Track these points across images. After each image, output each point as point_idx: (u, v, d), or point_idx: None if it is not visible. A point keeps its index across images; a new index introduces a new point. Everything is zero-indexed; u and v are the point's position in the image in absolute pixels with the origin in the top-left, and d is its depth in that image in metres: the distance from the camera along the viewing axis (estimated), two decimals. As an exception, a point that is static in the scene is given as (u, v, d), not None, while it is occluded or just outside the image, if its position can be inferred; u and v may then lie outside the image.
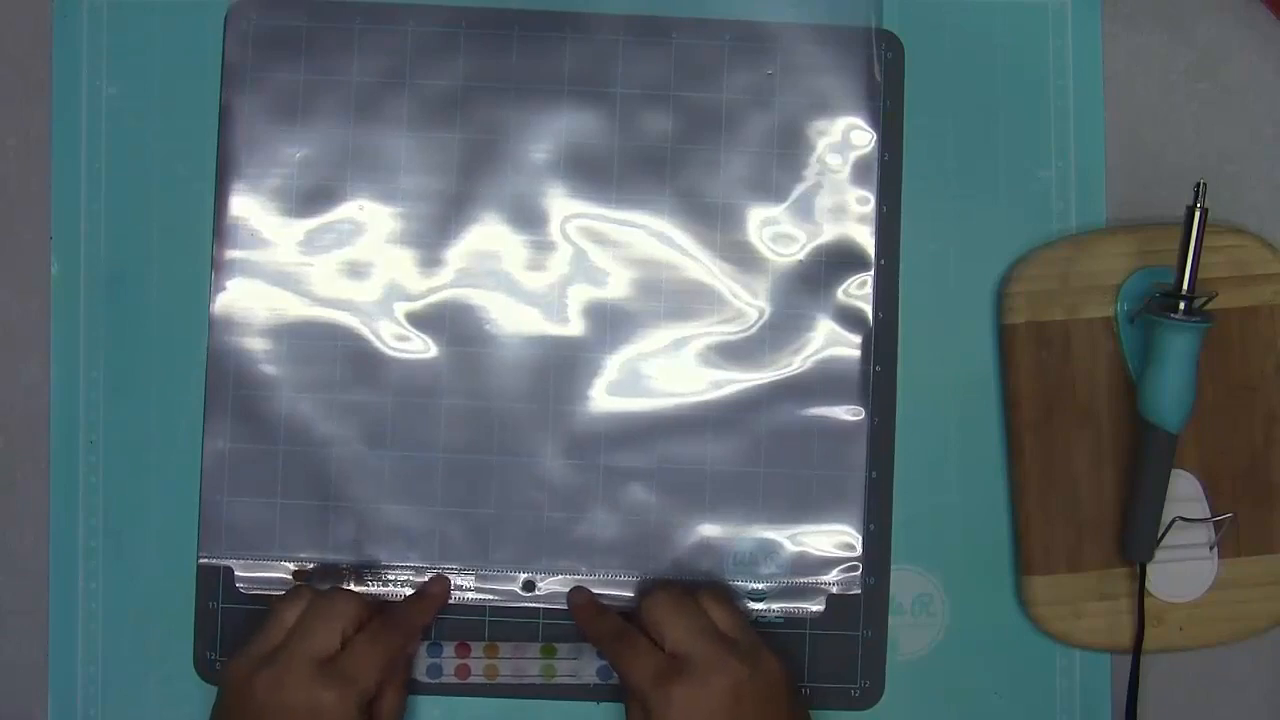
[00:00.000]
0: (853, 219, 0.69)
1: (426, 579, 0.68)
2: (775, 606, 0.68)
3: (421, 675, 0.67)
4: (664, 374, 0.68)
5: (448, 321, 0.68)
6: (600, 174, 0.68)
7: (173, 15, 0.69)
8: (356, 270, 0.68)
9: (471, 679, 0.68)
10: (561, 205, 0.68)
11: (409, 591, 0.67)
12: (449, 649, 0.68)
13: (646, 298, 0.68)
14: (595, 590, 0.68)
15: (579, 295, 0.68)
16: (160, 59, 0.69)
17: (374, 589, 0.67)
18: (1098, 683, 0.69)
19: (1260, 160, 0.70)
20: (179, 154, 0.68)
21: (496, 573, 0.68)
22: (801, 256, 0.68)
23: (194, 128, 0.68)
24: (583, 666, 0.67)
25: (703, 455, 0.68)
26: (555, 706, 0.68)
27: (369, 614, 0.64)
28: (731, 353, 0.68)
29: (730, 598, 0.66)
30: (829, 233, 0.69)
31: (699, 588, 0.65)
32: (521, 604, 0.68)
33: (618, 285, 0.68)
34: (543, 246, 0.68)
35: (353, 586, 0.67)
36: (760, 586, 0.68)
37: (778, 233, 0.68)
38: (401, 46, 0.68)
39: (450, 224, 0.68)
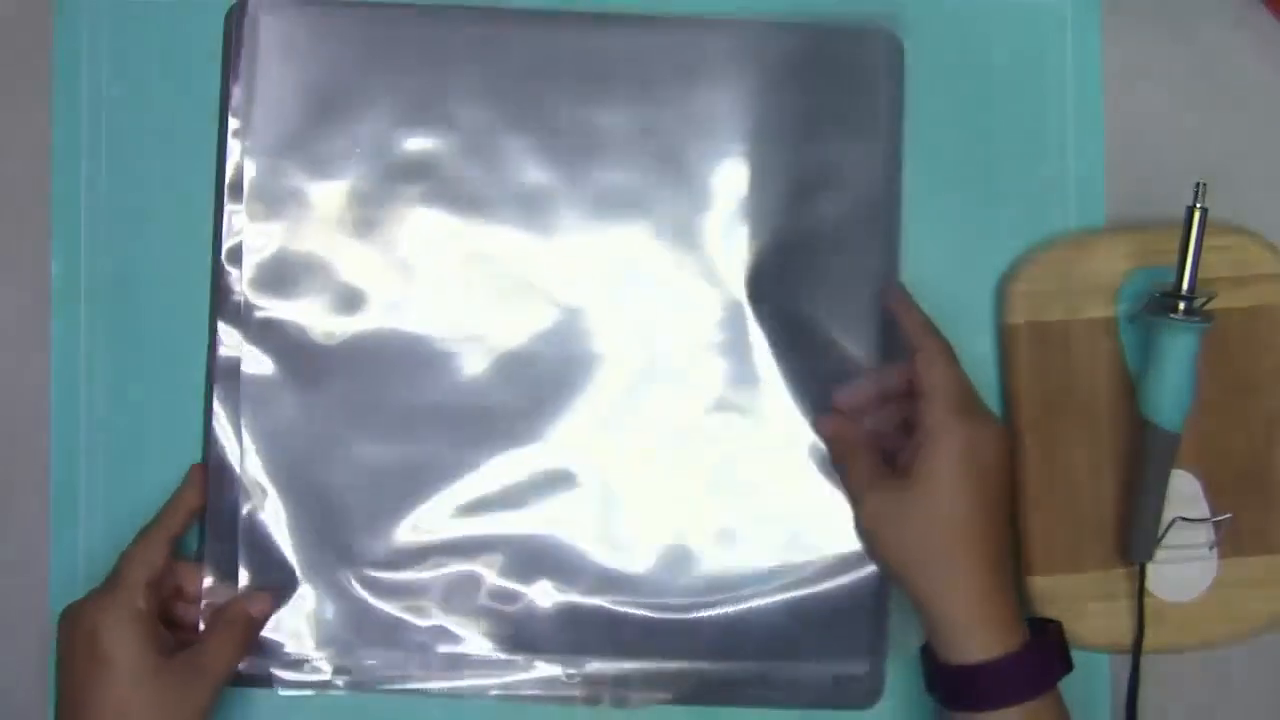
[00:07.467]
0: (852, 219, 0.68)
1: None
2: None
3: None
4: (663, 375, 0.68)
5: (447, 321, 0.68)
6: (599, 174, 0.68)
7: (173, 15, 0.69)
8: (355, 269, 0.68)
9: None
10: (561, 205, 0.68)
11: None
12: None
13: (646, 297, 0.68)
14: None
15: (578, 295, 0.68)
16: (160, 59, 0.69)
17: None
18: (1098, 683, 0.68)
19: (1260, 160, 0.70)
20: (179, 154, 0.68)
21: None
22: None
23: (194, 128, 0.68)
24: None
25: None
26: (555, 706, 0.68)
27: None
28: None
29: None
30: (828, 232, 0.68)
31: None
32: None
33: (617, 289, 0.68)
34: (542, 246, 0.68)
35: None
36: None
37: (778, 233, 0.68)
38: (402, 46, 0.68)
39: (449, 223, 0.68)
